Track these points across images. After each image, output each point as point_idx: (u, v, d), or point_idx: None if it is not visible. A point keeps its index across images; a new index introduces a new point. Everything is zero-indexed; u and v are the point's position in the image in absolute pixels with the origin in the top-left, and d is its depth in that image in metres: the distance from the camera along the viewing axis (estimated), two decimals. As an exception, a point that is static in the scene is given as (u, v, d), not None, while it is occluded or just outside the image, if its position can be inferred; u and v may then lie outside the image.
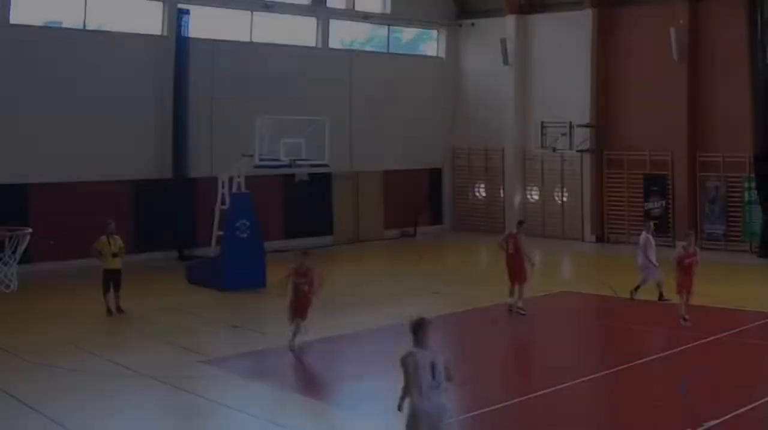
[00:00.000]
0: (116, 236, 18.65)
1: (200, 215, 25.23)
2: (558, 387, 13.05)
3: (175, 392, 13.33)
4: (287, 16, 29.45)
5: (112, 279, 18.57)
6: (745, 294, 20.11)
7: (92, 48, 24.97)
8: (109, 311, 18.59)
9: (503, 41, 30.94)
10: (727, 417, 11.39)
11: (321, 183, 28.30)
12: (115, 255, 18.55)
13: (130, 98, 25.58)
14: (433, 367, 8.91)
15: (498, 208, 32.09)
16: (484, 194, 33.05)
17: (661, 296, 18.95)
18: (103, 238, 18.56)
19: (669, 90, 27.55)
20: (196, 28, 26.61)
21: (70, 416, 12.08)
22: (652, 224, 20.35)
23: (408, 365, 8.90)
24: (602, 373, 13.91)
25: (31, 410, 12.36)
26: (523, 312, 18.03)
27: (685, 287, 16.96)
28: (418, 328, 9.08)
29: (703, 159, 27.20)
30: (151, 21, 26.41)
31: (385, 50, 32.74)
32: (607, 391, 13.45)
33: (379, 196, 31.53)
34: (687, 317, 16.78)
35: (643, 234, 19.28)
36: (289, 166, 22.62)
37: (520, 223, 19.57)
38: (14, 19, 23.75)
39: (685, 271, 16.98)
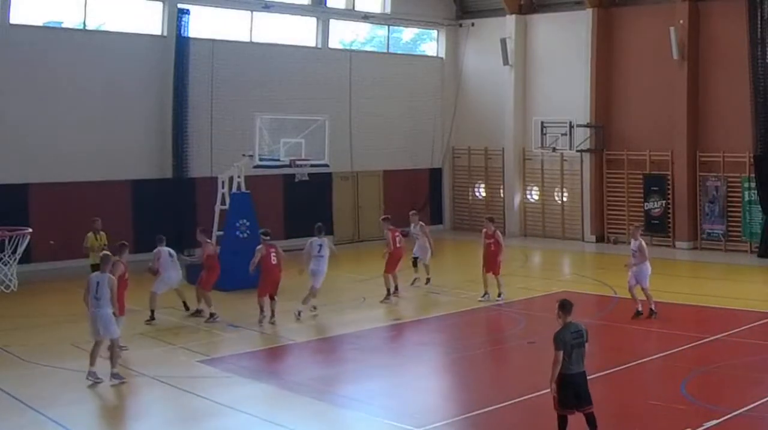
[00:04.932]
0: (102, 233, 19.57)
1: (200, 215, 25.23)
2: (558, 387, 13.04)
3: (175, 392, 13.33)
4: (287, 16, 29.46)
5: None
6: (745, 294, 20.10)
7: (92, 48, 24.98)
8: None
9: (503, 41, 30.93)
10: (727, 417, 11.40)
11: (321, 183, 28.30)
12: (102, 250, 19.03)
13: (130, 98, 25.60)
14: (98, 285, 13.49)
15: (498, 209, 32.07)
16: (484, 194, 33.04)
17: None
18: (90, 234, 19.55)
19: (669, 90, 27.54)
20: (196, 28, 26.62)
21: (70, 416, 12.08)
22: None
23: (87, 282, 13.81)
24: (602, 373, 13.90)
25: (31, 410, 12.37)
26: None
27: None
28: (102, 263, 13.95)
29: (703, 159, 27.19)
30: (151, 21, 26.41)
31: (385, 50, 32.74)
32: (606, 391, 13.44)
33: (379, 196, 31.54)
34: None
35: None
36: (289, 166, 22.64)
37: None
38: (14, 19, 23.75)
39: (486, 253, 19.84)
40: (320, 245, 18.58)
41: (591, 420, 10.47)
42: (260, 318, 17.70)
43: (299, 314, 18.10)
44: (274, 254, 17.86)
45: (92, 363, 13.49)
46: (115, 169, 25.26)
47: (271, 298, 17.83)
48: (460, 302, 19.91)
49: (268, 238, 18.11)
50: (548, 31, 30.78)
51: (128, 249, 15.97)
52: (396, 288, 20.34)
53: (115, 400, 13.02)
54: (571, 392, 10.29)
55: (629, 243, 18.82)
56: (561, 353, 10.16)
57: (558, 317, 10.44)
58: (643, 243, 18.14)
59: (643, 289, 17.81)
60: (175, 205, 25.90)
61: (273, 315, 17.76)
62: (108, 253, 14.59)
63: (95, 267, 19.17)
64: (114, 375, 13.44)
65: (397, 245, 20.26)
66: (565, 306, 10.46)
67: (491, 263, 19.83)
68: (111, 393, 13.26)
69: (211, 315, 17.99)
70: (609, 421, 12.10)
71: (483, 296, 19.74)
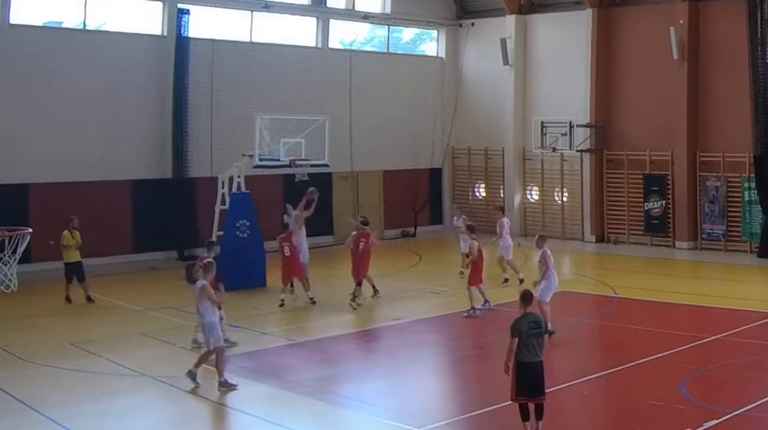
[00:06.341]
0: (77, 232, 19.79)
1: (200, 214, 25.23)
2: (558, 387, 13.04)
3: (175, 392, 13.33)
4: (287, 16, 29.45)
5: (74, 271, 19.66)
6: (745, 294, 20.10)
7: (92, 48, 24.97)
8: (68, 299, 19.73)
9: (503, 41, 30.93)
10: (727, 417, 11.40)
11: (321, 183, 28.25)
12: (77, 248, 19.74)
13: (130, 98, 25.59)
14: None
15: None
16: (484, 194, 33.05)
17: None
18: (67, 232, 19.71)
19: (669, 90, 27.54)
20: (196, 27, 26.61)
21: (70, 416, 12.09)
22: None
23: None
24: (602, 373, 13.92)
25: (31, 410, 12.38)
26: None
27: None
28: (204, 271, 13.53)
29: (703, 159, 27.19)
30: (151, 21, 26.41)
31: (385, 50, 32.74)
32: (606, 391, 13.45)
33: (379, 196, 31.54)
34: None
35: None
36: (289, 166, 22.65)
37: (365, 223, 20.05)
38: (14, 19, 23.74)
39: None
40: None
41: (539, 410, 10.86)
42: (358, 301, 19.01)
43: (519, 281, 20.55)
44: (363, 242, 19.15)
45: (219, 373, 13.27)
46: (115, 169, 25.25)
47: (367, 278, 19.32)
48: (460, 302, 19.88)
49: (366, 227, 19.50)
50: (548, 31, 30.78)
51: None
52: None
53: (115, 400, 13.00)
54: (527, 380, 10.67)
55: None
56: (515, 340, 10.63)
57: (519, 307, 10.96)
58: (549, 252, 16.49)
59: (540, 305, 15.56)
60: (175, 205, 25.88)
61: (376, 292, 19.56)
62: (211, 260, 14.19)
63: (69, 265, 19.68)
64: (222, 383, 13.23)
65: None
66: (525, 297, 11.11)
67: (474, 275, 18.59)
68: (111, 393, 13.26)
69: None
70: (609, 421, 12.14)
71: (470, 310, 18.34)
